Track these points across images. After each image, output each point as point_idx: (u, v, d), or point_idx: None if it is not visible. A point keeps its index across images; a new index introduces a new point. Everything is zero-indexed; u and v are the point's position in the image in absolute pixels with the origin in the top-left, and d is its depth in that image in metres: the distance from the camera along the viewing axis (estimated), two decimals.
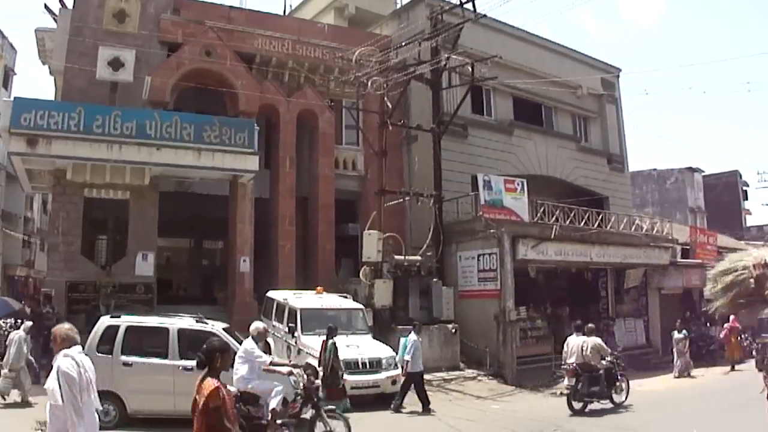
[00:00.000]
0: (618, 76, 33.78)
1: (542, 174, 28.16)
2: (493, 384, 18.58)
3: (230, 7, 23.56)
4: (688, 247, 29.11)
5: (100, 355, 11.80)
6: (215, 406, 5.31)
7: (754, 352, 23.36)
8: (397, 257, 20.51)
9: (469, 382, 18.38)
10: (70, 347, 5.51)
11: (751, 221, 62.21)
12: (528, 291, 22.06)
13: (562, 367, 15.54)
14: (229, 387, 9.56)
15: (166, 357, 11.95)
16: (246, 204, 21.32)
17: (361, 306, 17.73)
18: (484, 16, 21.41)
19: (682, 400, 17.21)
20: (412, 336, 15.02)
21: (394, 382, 14.95)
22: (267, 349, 16.18)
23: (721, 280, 8.93)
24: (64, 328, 5.70)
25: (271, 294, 18.20)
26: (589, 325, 16.11)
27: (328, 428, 10.37)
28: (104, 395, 11.60)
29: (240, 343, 12.17)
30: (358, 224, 23.99)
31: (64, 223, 19.34)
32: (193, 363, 11.65)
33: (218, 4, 23.29)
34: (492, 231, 20.51)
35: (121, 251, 20.47)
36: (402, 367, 14.81)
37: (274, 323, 16.93)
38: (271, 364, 10.52)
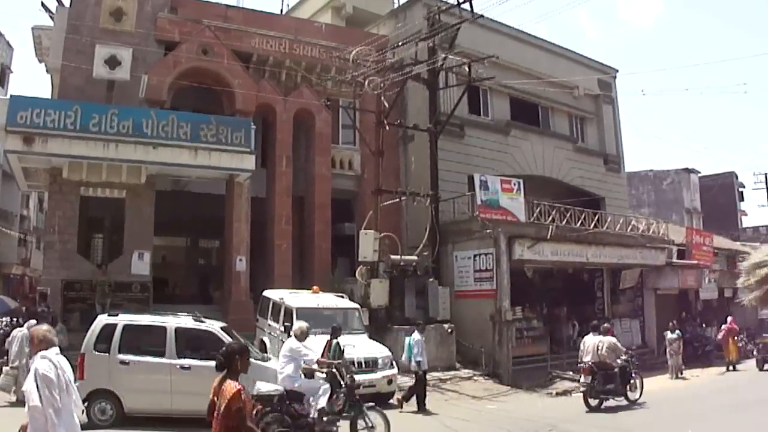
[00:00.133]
0: (615, 77, 33.83)
1: (539, 174, 28.18)
2: (488, 384, 18.61)
3: (227, 5, 23.52)
4: (684, 248, 29.14)
5: (97, 353, 11.84)
6: (237, 408, 5.40)
7: (754, 352, 23.59)
8: (393, 257, 20.52)
9: (465, 382, 18.40)
10: (47, 348, 5.48)
11: (747, 222, 62.47)
12: (524, 291, 22.07)
13: (579, 365, 15.96)
14: (275, 385, 10.22)
15: (163, 356, 11.94)
16: (242, 203, 21.30)
17: (357, 305, 17.73)
18: (482, 16, 21.42)
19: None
20: (416, 335, 15.11)
21: (390, 382, 14.98)
22: (263, 348, 16.28)
23: (755, 273, 8.95)
24: (42, 329, 5.68)
25: (267, 293, 18.18)
26: (605, 324, 16.80)
27: (370, 424, 10.72)
28: (101, 394, 11.67)
29: None
30: (354, 224, 23.96)
31: (60, 222, 19.29)
32: (190, 362, 11.82)
33: (215, 3, 23.23)
34: (488, 231, 20.52)
35: (117, 250, 20.46)
36: (417, 366, 14.89)
37: (270, 322, 16.93)
38: (317, 362, 10.98)
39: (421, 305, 20.13)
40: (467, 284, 21.20)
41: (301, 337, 10.87)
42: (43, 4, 21.64)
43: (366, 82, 20.68)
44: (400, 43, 22.26)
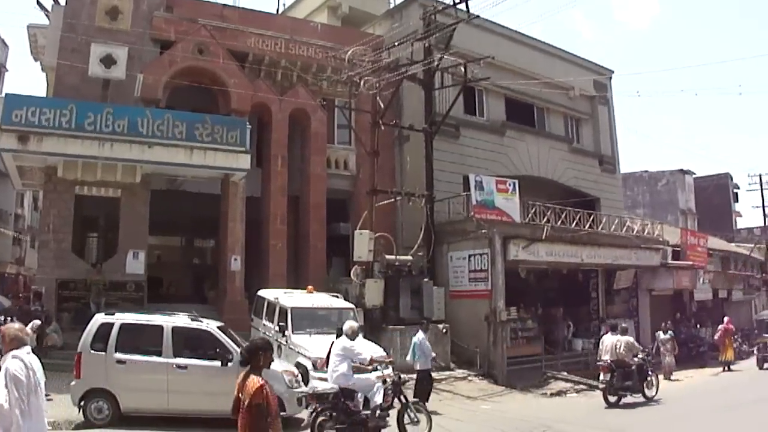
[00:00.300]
0: (610, 78, 33.91)
1: (534, 175, 28.22)
2: (483, 384, 18.62)
3: (223, 5, 23.49)
4: (678, 249, 29.21)
5: (94, 352, 11.81)
6: (257, 404, 5.46)
7: (755, 351, 23.74)
8: (388, 257, 20.52)
9: (460, 382, 18.41)
10: (18, 348, 5.44)
11: (741, 223, 62.62)
12: (519, 292, 22.11)
13: (597, 363, 16.74)
14: (329, 383, 10.73)
15: (160, 355, 11.92)
16: (237, 202, 21.28)
17: (351, 305, 17.66)
18: (477, 16, 21.41)
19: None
20: (420, 335, 15.17)
21: (384, 382, 14.95)
22: None
23: None
24: (14, 328, 5.62)
25: (261, 293, 18.14)
26: (623, 325, 17.92)
27: (415, 419, 11.36)
28: (98, 393, 11.66)
29: (235, 342, 12.26)
30: (349, 224, 23.97)
31: (54, 221, 19.25)
32: (187, 361, 11.81)
33: (211, 2, 23.20)
34: (483, 231, 20.55)
35: (111, 249, 20.43)
36: (431, 364, 15.07)
37: (265, 322, 16.89)
38: (371, 361, 11.55)
39: (416, 305, 20.14)
40: (462, 284, 21.21)
41: (352, 336, 11.30)
42: (38, 3, 21.58)
43: (362, 82, 20.68)
44: (395, 43, 22.26)
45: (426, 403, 14.56)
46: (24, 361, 5.36)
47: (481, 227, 20.70)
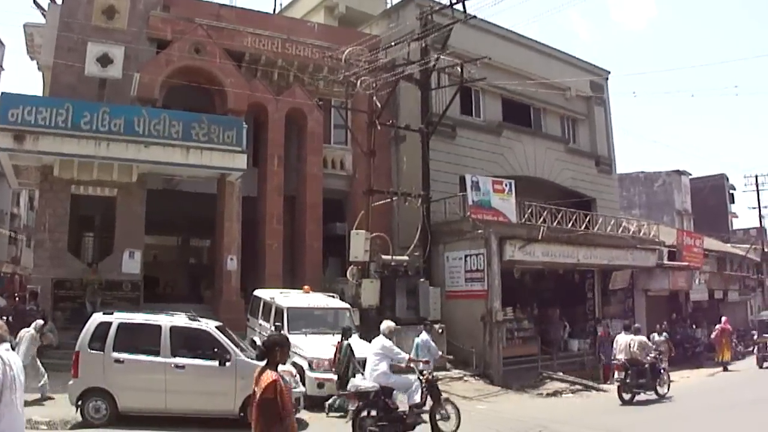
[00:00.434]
0: (607, 79, 33.97)
1: (530, 175, 28.24)
2: (479, 384, 18.62)
3: (220, 4, 23.44)
4: (674, 250, 29.29)
5: (91, 351, 11.81)
6: (267, 398, 5.55)
7: (755, 350, 23.87)
8: (384, 257, 20.52)
9: (456, 382, 18.38)
10: None
11: (737, 224, 62.79)
12: (515, 292, 22.11)
13: (612, 362, 17.33)
14: (369, 382, 11.10)
15: (158, 354, 11.91)
16: (234, 202, 21.26)
17: (347, 305, 17.72)
18: (474, 17, 21.41)
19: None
20: (424, 335, 15.20)
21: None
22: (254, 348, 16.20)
23: None
24: None
25: (258, 292, 18.17)
26: (636, 325, 18.53)
27: (446, 414, 11.75)
28: (96, 392, 11.66)
29: (233, 342, 12.29)
30: (345, 224, 23.96)
31: (50, 220, 19.21)
32: (185, 360, 11.82)
33: (208, 2, 23.16)
34: (479, 232, 20.55)
35: (107, 249, 20.40)
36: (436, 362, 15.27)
37: (261, 322, 16.91)
38: (409, 360, 12.03)
39: (412, 305, 20.14)
40: (458, 285, 21.23)
41: (390, 335, 11.81)
42: (35, 2, 21.56)
43: (358, 82, 20.67)
44: (392, 43, 22.23)
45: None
46: (2, 357, 5.32)
47: (477, 227, 20.71)
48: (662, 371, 17.46)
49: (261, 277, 21.35)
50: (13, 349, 13.68)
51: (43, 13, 21.65)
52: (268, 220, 22.15)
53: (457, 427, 11.77)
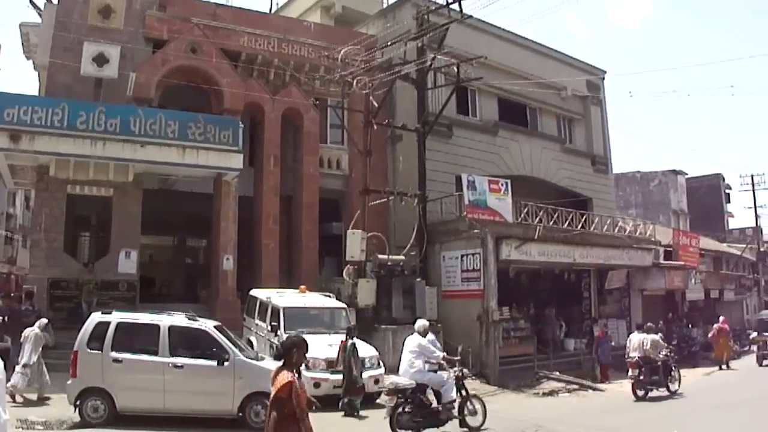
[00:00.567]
0: (603, 78, 33.95)
1: (526, 175, 28.26)
2: (475, 384, 18.55)
3: (216, 4, 23.43)
4: (670, 249, 29.32)
5: (90, 351, 11.79)
6: (281, 397, 5.69)
7: (755, 349, 23.97)
8: (380, 257, 20.52)
9: None
10: None
11: (733, 224, 62.77)
12: (511, 291, 22.13)
13: (626, 359, 17.73)
14: (405, 379, 11.46)
15: (156, 354, 11.91)
16: (230, 202, 21.25)
17: (344, 305, 17.71)
18: (470, 16, 21.45)
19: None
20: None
21: (376, 381, 14.94)
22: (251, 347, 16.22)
23: None
24: None
25: (254, 292, 18.15)
26: (649, 324, 19.04)
27: (473, 409, 12.27)
28: (94, 392, 11.65)
29: (232, 342, 12.29)
30: (342, 223, 23.96)
31: (46, 220, 19.20)
32: (183, 360, 11.81)
33: (204, 1, 23.14)
34: (476, 231, 20.55)
35: (103, 248, 20.39)
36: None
37: (257, 322, 16.90)
38: (443, 359, 12.28)
39: (408, 305, 20.15)
40: (454, 284, 21.22)
41: (424, 333, 12.19)
42: (31, 1, 21.56)
43: (354, 82, 20.70)
44: (388, 43, 22.26)
45: None
46: None
47: (473, 227, 20.70)
48: (673, 368, 17.91)
49: (257, 276, 21.35)
50: (19, 348, 13.78)
51: (39, 13, 21.64)
52: (265, 219, 22.15)
53: (483, 422, 12.24)
